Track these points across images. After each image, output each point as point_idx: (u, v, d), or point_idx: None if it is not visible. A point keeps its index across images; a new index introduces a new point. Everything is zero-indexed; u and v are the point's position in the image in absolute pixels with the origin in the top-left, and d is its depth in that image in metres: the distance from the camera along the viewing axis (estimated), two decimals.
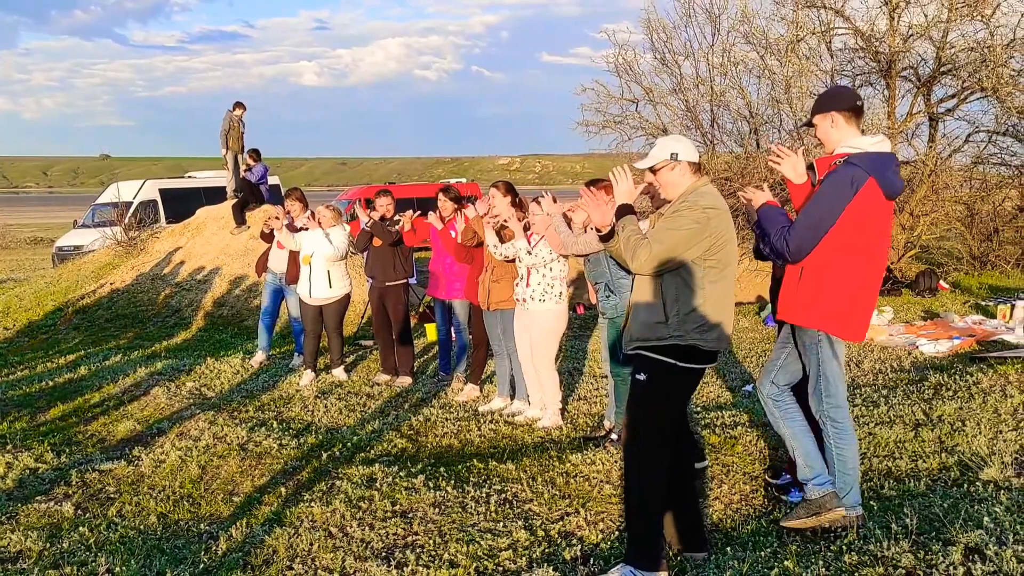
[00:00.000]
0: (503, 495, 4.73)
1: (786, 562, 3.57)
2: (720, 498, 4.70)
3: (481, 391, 7.29)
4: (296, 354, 8.79)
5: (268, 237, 8.72)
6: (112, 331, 11.41)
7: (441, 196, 7.46)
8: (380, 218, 7.82)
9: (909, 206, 13.06)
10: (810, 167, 4.16)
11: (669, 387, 3.67)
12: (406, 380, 7.87)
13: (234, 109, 14.27)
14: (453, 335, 7.93)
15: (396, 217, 7.92)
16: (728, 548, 3.93)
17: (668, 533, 3.87)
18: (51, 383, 8.30)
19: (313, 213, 8.10)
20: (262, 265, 9.14)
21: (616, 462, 5.04)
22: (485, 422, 6.39)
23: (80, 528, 4.53)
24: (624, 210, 3.78)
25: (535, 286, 6.15)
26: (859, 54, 13.45)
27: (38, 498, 5.02)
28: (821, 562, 3.53)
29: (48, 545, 4.31)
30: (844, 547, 3.66)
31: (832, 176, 3.78)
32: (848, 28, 13.42)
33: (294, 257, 8.26)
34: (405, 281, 7.99)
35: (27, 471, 5.52)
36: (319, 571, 3.84)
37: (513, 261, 6.37)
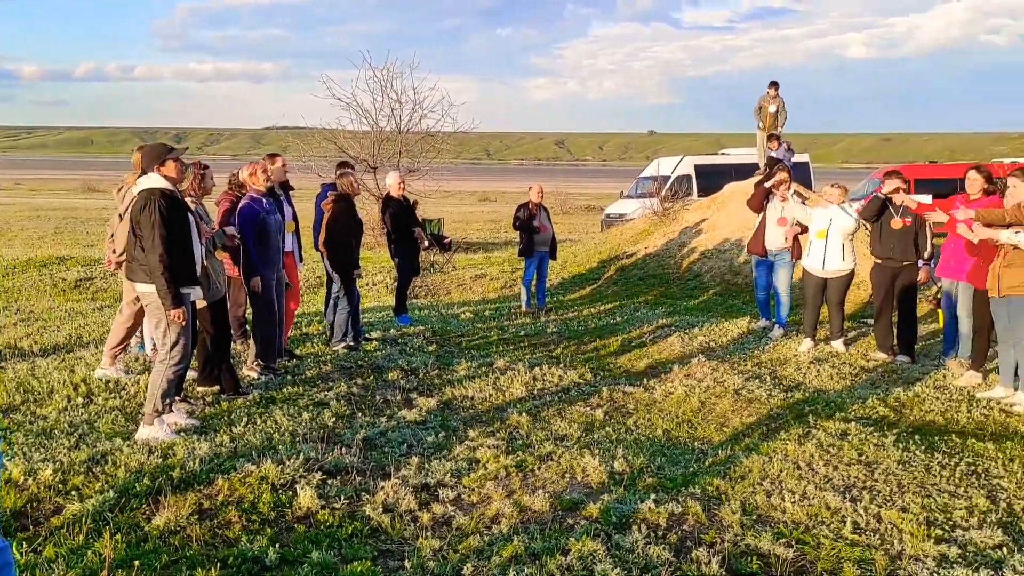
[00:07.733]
0: (972, 467, 4.91)
1: None
2: None
3: (985, 379, 7.13)
4: (776, 324, 9.28)
5: (756, 202, 9.28)
6: (642, 288, 13.19)
7: (972, 173, 7.42)
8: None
9: None
10: None
11: None
12: (905, 359, 7.97)
13: (769, 89, 15.30)
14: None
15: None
16: None
17: None
18: (593, 324, 10.16)
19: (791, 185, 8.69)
20: (758, 245, 9.30)
21: None
22: (978, 407, 6.36)
23: (606, 428, 5.89)
24: None
25: None
26: None
27: (578, 403, 6.55)
28: None
29: (584, 434, 5.71)
30: None
31: None
32: None
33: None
34: (914, 262, 8.04)
35: (572, 384, 7.15)
36: (784, 491, 4.55)
37: None
